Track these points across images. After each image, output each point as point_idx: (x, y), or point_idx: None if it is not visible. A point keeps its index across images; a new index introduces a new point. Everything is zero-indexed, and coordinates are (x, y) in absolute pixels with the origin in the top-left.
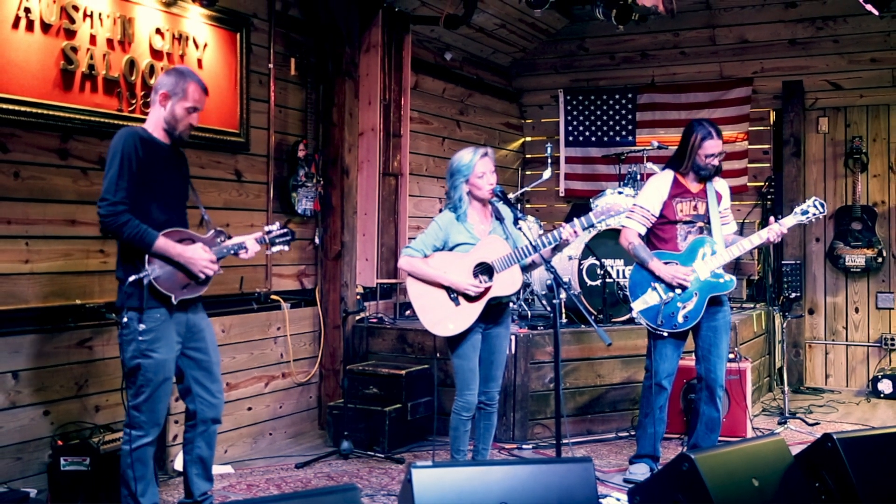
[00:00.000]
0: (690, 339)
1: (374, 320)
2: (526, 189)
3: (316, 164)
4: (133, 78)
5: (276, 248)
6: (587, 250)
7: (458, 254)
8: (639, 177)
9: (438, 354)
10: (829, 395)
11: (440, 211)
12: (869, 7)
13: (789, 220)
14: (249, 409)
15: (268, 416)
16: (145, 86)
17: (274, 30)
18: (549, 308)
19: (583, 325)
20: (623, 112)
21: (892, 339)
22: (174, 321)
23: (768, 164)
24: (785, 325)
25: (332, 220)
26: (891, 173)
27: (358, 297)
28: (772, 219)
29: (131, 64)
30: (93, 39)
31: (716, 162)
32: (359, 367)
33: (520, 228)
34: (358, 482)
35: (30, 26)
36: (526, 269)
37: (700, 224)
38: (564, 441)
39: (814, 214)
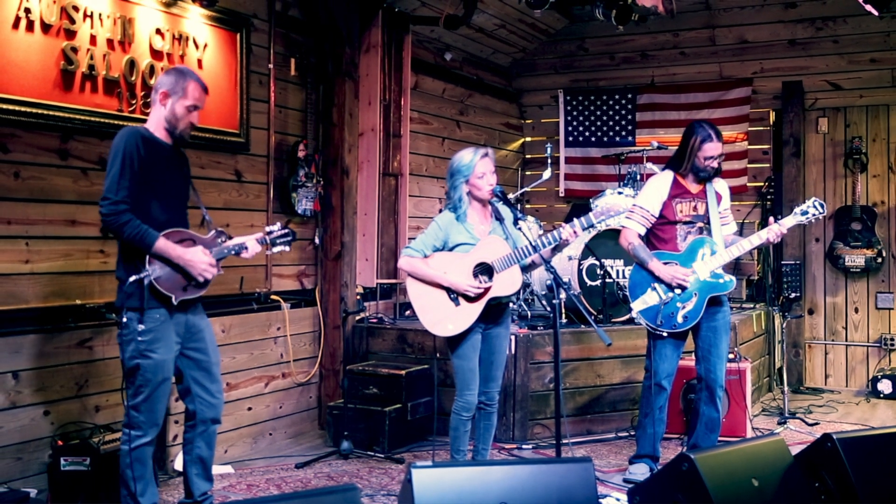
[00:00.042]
0: (690, 340)
1: (374, 320)
2: (526, 189)
3: (316, 165)
4: (133, 78)
5: (277, 249)
6: (587, 250)
7: (457, 254)
8: (638, 177)
9: (438, 354)
10: (829, 396)
11: (440, 211)
12: (868, 7)
13: (789, 221)
14: (249, 409)
15: (268, 416)
16: (145, 86)
17: (274, 30)
18: (548, 308)
19: (583, 326)
20: (623, 112)
21: (892, 340)
22: (173, 322)
23: (768, 165)
24: (785, 325)
25: (332, 220)
26: (890, 173)
27: (358, 297)
28: (771, 219)
29: (131, 64)
30: (93, 40)
31: (715, 164)
32: (359, 367)
33: (519, 229)
34: (358, 482)
35: (30, 26)
36: (526, 269)
37: (700, 224)
38: (564, 441)
39: (813, 215)
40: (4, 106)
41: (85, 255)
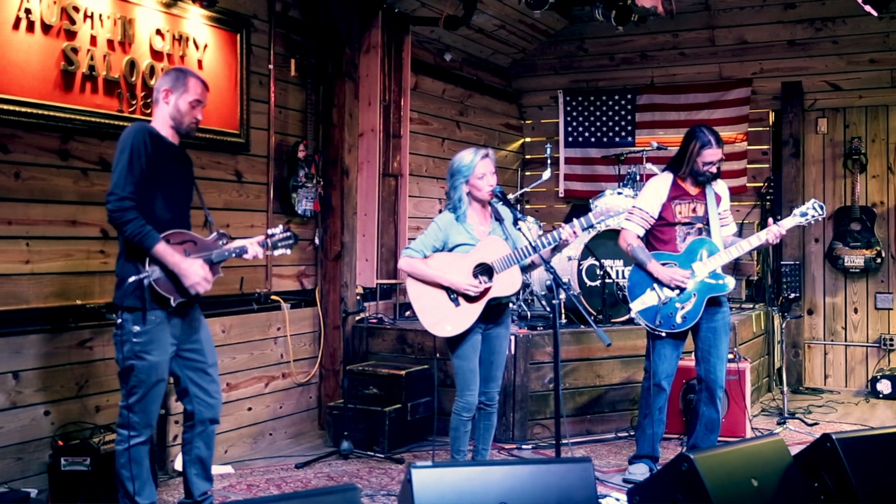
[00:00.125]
0: (690, 340)
1: (374, 321)
2: (525, 190)
3: (316, 165)
4: (133, 79)
5: (278, 252)
6: (587, 251)
7: (457, 254)
8: (638, 177)
9: (438, 355)
10: (828, 396)
11: (440, 212)
12: (868, 8)
13: (788, 222)
14: (249, 409)
15: (268, 416)
16: (146, 86)
17: (274, 31)
18: (548, 308)
19: (582, 326)
20: (622, 113)
21: (891, 340)
22: (170, 323)
23: (767, 165)
24: (784, 325)
25: (331, 220)
26: (890, 174)
27: (358, 297)
28: (770, 220)
29: (132, 65)
30: (93, 40)
31: (714, 169)
32: (359, 367)
33: (519, 229)
34: (358, 482)
35: (30, 27)
36: (525, 269)
37: (699, 226)
38: (564, 441)
39: (813, 216)
40: (5, 106)
41: (85, 255)
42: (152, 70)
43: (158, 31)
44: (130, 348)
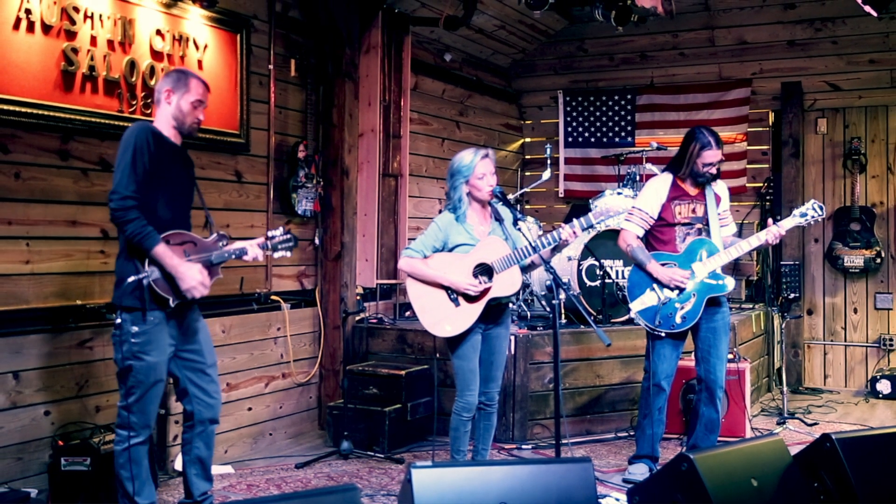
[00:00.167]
0: (690, 340)
1: (374, 321)
2: (525, 190)
3: (316, 165)
4: (133, 79)
5: (278, 254)
6: (586, 251)
7: (457, 255)
8: (638, 178)
9: (438, 355)
10: (828, 396)
11: (440, 212)
12: (867, 8)
13: (788, 223)
14: (249, 409)
15: (268, 416)
16: (146, 87)
17: (274, 31)
18: (548, 308)
19: (582, 326)
20: (622, 113)
21: (891, 340)
22: (168, 324)
23: (767, 165)
24: (784, 325)
25: (331, 220)
26: (889, 174)
27: (358, 297)
28: (770, 221)
29: (132, 65)
30: (93, 41)
31: (714, 170)
32: (359, 367)
33: (519, 229)
34: (358, 482)
35: (30, 27)
36: (525, 269)
37: (699, 226)
38: (564, 441)
39: (812, 217)
40: (5, 107)
41: (85, 255)
42: (152, 70)
43: (158, 32)
44: (129, 348)
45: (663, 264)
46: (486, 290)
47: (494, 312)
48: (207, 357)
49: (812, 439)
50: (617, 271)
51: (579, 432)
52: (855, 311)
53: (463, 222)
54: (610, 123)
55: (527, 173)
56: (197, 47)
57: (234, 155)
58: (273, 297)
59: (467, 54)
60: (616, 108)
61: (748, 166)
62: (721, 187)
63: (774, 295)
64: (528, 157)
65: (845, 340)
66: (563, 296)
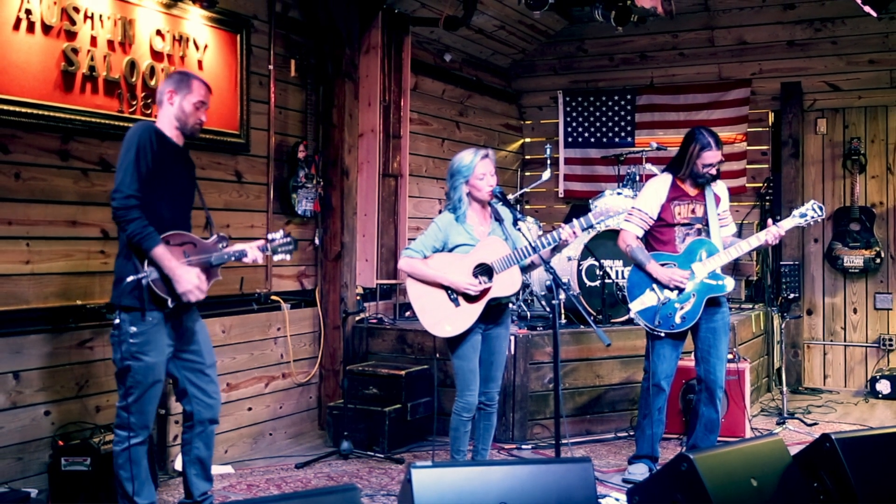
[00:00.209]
0: (690, 340)
1: (374, 321)
2: (525, 190)
3: (316, 166)
4: (133, 79)
5: (278, 257)
6: (586, 251)
7: (457, 255)
8: (638, 178)
9: (438, 355)
10: (828, 396)
11: (440, 212)
12: (867, 8)
13: (787, 223)
14: (250, 409)
15: (268, 416)
16: (146, 87)
17: (274, 31)
18: (548, 309)
19: (582, 326)
20: (622, 113)
21: (890, 340)
22: (167, 325)
23: (767, 166)
24: (783, 325)
25: (331, 221)
26: (889, 174)
27: (358, 297)
28: (770, 221)
29: (132, 65)
30: (93, 41)
31: (714, 171)
32: (359, 367)
33: (519, 229)
34: (358, 482)
35: (31, 28)
36: (525, 269)
37: (698, 226)
38: (563, 441)
39: (812, 217)
40: (5, 107)
41: (86, 255)
42: (152, 71)
43: (159, 32)
44: (127, 349)
45: (663, 264)
46: (486, 291)
47: (494, 312)
48: (206, 357)
49: (812, 439)
50: (617, 271)
51: (579, 432)
52: (854, 311)
53: (463, 222)
54: (610, 124)
55: (527, 173)
56: (197, 47)
57: (235, 155)
58: (273, 298)
59: (467, 54)
60: (616, 108)
61: (748, 166)
62: (721, 188)
63: (774, 295)
64: (527, 157)
65: (845, 340)
66: (562, 296)
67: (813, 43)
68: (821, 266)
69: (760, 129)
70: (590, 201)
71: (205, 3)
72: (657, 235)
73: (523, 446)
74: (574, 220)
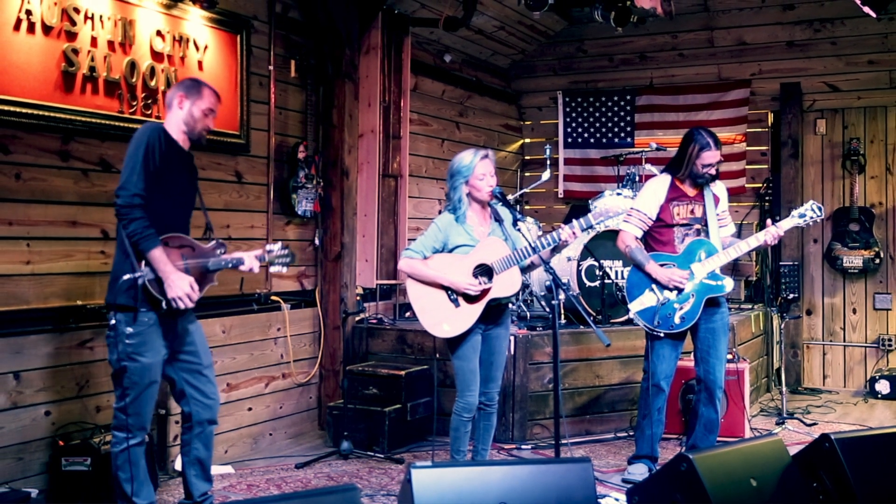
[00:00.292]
0: (690, 341)
1: (374, 321)
2: (525, 190)
3: (316, 166)
4: (134, 80)
5: (274, 268)
6: (586, 251)
7: (457, 255)
8: (637, 178)
9: (438, 355)
10: (827, 396)
11: (439, 212)
12: (866, 9)
13: (786, 223)
14: (250, 409)
15: (268, 416)
16: (146, 88)
17: (274, 32)
18: (547, 309)
19: (581, 326)
20: (622, 114)
21: (890, 340)
22: (162, 326)
23: (766, 166)
24: (783, 325)
25: (331, 221)
26: (888, 175)
27: (358, 297)
28: (769, 221)
29: (132, 66)
30: (94, 41)
31: (713, 171)
32: (358, 367)
33: (518, 230)
34: (358, 482)
35: (31, 28)
36: (525, 270)
37: (697, 227)
38: (563, 441)
39: (811, 218)
40: (5, 107)
41: (86, 255)
42: (153, 71)
43: (159, 33)
44: (123, 349)
45: (662, 265)
46: (485, 291)
47: (494, 313)
48: (203, 358)
49: (811, 439)
50: (616, 272)
51: (579, 432)
52: (854, 311)
53: (463, 223)
54: (609, 124)
55: (526, 174)
56: (197, 48)
57: (235, 155)
58: (273, 298)
59: (467, 55)
60: (615, 108)
61: (747, 167)
62: (720, 188)
63: (773, 295)
64: (527, 157)
65: (844, 341)
66: (562, 296)
67: (812, 43)
68: (820, 266)
69: (760, 130)
70: (589, 202)
71: (205, 3)
72: (656, 236)
73: (523, 446)
74: (574, 220)
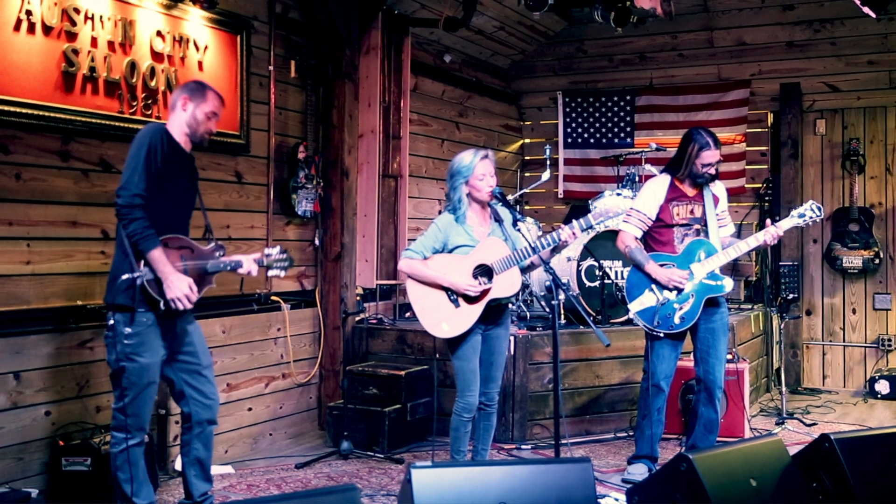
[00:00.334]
0: (689, 341)
1: (374, 321)
2: (525, 191)
3: (316, 166)
4: (134, 80)
5: (272, 273)
6: (586, 251)
7: (457, 256)
8: (637, 178)
9: (438, 355)
10: (827, 396)
11: (439, 213)
12: (866, 9)
13: (786, 223)
14: (250, 409)
15: (268, 416)
16: (146, 88)
17: (274, 32)
18: (547, 309)
19: (581, 326)
20: (621, 114)
21: (889, 340)
22: (160, 326)
23: (766, 166)
24: (783, 325)
25: (331, 221)
26: (888, 175)
27: (358, 298)
28: (768, 221)
29: (132, 66)
30: (94, 42)
31: (712, 171)
32: (358, 367)
33: (518, 230)
34: (358, 482)
35: (31, 29)
36: (525, 270)
37: (697, 227)
38: (563, 441)
39: (810, 218)
40: (6, 108)
41: (86, 256)
42: (153, 71)
43: (159, 33)
44: (122, 349)
45: (662, 265)
46: (485, 291)
47: (494, 313)
48: (202, 358)
49: (811, 439)
50: (616, 272)
51: (578, 432)
52: (853, 311)
53: (463, 223)
54: (609, 124)
55: (526, 174)
56: (197, 48)
57: (235, 156)
58: (273, 298)
59: (467, 55)
60: (615, 109)
61: (747, 167)
62: (719, 188)
63: (773, 295)
64: (527, 157)
65: (844, 341)
66: (562, 296)
67: (812, 44)
68: (820, 266)
69: (759, 130)
70: (589, 202)
71: (205, 4)
72: (656, 236)
73: (523, 446)
74: (574, 220)
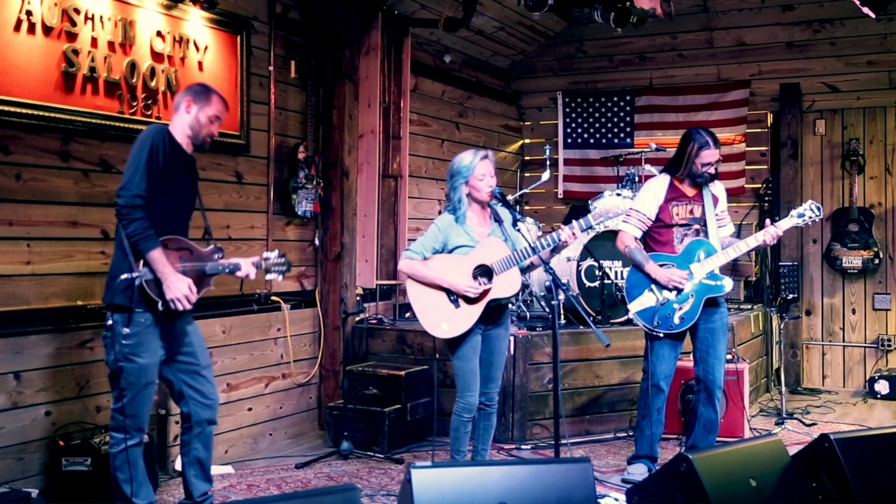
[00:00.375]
0: (689, 341)
1: (374, 321)
2: (525, 191)
3: (316, 166)
4: (134, 80)
5: (270, 276)
6: (585, 252)
7: (457, 256)
8: (637, 179)
9: (437, 355)
10: (827, 396)
11: (439, 213)
12: (865, 10)
13: (785, 223)
14: (250, 409)
15: (268, 416)
16: (146, 88)
17: (274, 32)
18: (547, 309)
19: (581, 326)
20: (621, 114)
21: (889, 340)
22: (159, 327)
23: (766, 166)
24: (782, 326)
25: (331, 221)
26: (887, 175)
27: (358, 298)
28: (768, 221)
29: (132, 66)
30: (94, 42)
31: (712, 170)
32: (358, 367)
33: (518, 230)
34: (358, 482)
35: (31, 29)
36: (525, 270)
37: (696, 227)
38: (563, 441)
39: (810, 217)
40: (6, 108)
41: (86, 256)
42: (153, 72)
43: (159, 33)
44: (120, 350)
45: (661, 265)
46: (485, 292)
47: (494, 313)
48: (201, 359)
49: (810, 439)
50: (616, 272)
51: (578, 432)
52: (853, 311)
53: (463, 223)
54: (609, 125)
55: (526, 174)
56: (197, 49)
57: (235, 156)
58: (273, 298)
59: (467, 56)
60: (615, 109)
61: (747, 167)
62: (719, 188)
63: (773, 295)
64: (527, 158)
65: (843, 341)
66: (562, 296)
67: (812, 44)
68: (819, 267)
69: (759, 130)
70: (589, 202)
71: (205, 4)
72: (655, 236)
73: (523, 446)
74: (573, 221)
